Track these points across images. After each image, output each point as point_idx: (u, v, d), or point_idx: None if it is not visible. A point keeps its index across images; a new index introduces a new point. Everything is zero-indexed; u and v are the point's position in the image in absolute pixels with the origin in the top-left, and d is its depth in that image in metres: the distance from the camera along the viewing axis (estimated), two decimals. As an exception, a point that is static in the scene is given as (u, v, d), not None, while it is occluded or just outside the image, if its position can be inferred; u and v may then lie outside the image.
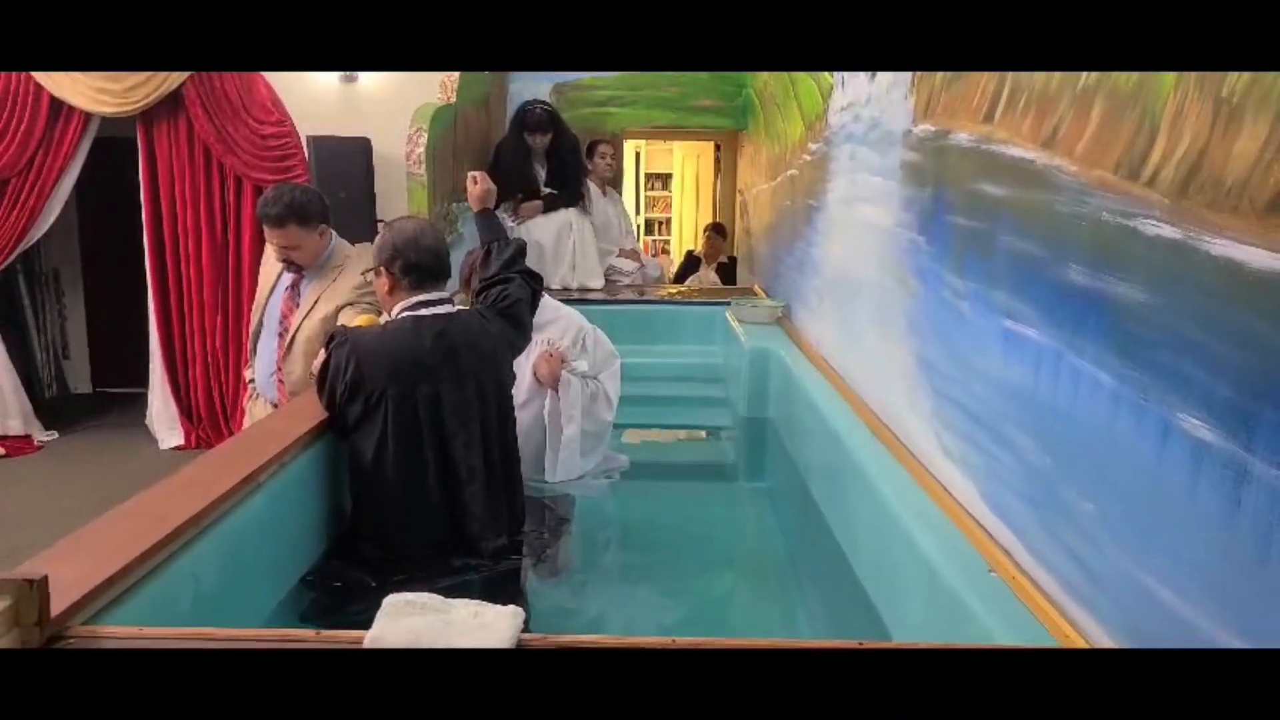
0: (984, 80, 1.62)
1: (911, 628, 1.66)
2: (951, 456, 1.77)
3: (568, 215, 4.43)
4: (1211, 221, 0.97)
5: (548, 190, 4.43)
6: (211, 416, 5.14)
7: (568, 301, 3.16)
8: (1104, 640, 1.19)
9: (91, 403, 5.99)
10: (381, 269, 2.04)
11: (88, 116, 4.75)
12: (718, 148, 6.38)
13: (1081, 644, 1.23)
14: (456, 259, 2.67)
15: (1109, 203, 1.17)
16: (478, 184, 2.40)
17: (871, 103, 2.39)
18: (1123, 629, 1.15)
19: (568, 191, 4.45)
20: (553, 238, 4.38)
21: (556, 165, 4.43)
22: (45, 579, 1.13)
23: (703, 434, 3.68)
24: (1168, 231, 1.04)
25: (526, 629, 1.20)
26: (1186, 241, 1.01)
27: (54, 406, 5.72)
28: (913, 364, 2.01)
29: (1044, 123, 1.36)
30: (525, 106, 4.42)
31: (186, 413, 5.17)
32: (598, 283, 4.51)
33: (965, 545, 1.60)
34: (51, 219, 4.97)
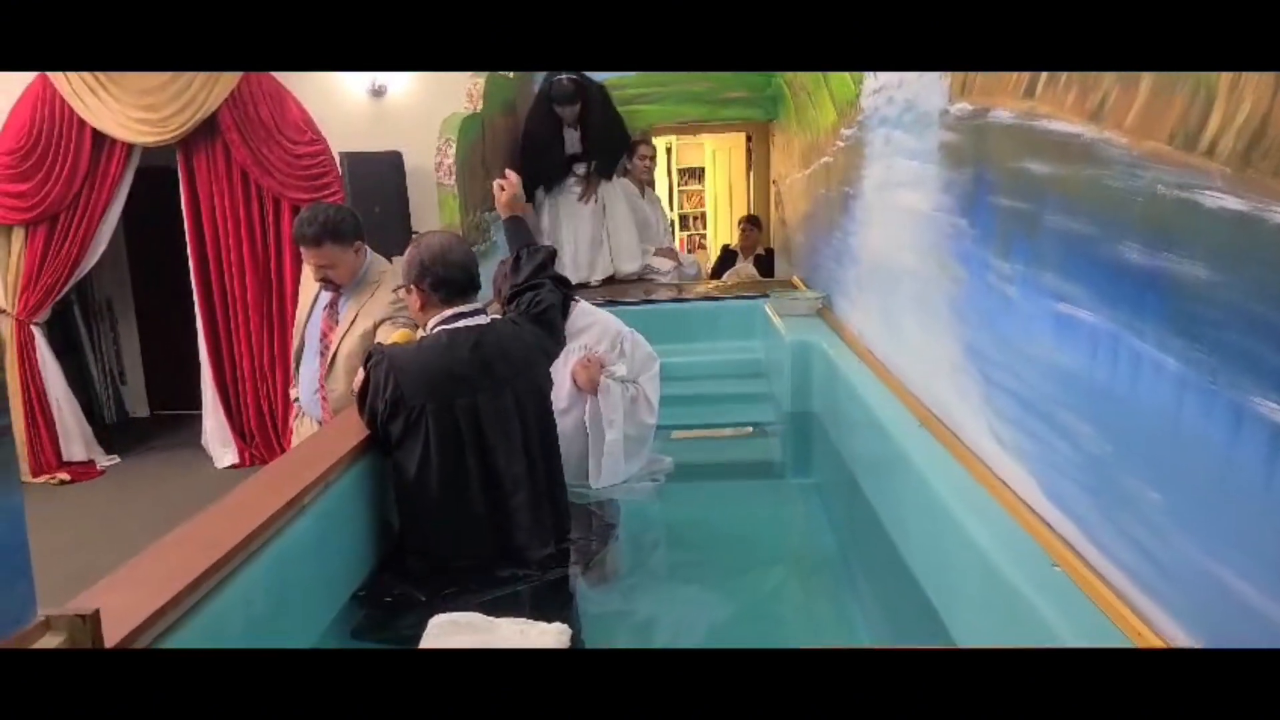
0: (1022, 54, 1.55)
1: (970, 624, 1.61)
2: (1005, 446, 1.71)
3: (600, 202, 4.42)
4: (1278, 191, 0.90)
5: (580, 163, 4.43)
6: (264, 434, 5.23)
7: (603, 305, 3.14)
8: (1178, 637, 1.13)
9: (149, 426, 6.15)
10: (412, 286, 2.04)
11: (129, 148, 4.87)
12: (749, 139, 6.32)
13: (1154, 640, 1.17)
14: (490, 267, 2.67)
15: (1164, 175, 1.11)
16: (505, 190, 2.38)
17: (905, 84, 2.33)
18: (1197, 624, 1.10)
19: (606, 158, 4.45)
20: (588, 227, 4.38)
21: (588, 130, 4.43)
22: (97, 612, 1.13)
23: (747, 430, 3.64)
24: (1231, 203, 0.98)
25: (578, 639, 1.18)
26: (1252, 213, 0.94)
27: (114, 431, 5.89)
28: (959, 351, 1.95)
29: (1090, 95, 1.30)
30: (550, 79, 4.41)
31: (239, 432, 5.28)
32: (634, 265, 4.48)
33: (1024, 537, 1.54)
34: (101, 249, 5.11)
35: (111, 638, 1.17)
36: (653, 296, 4.27)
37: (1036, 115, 1.49)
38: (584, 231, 4.39)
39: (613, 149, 4.51)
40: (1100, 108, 1.27)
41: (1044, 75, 1.47)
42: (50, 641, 1.10)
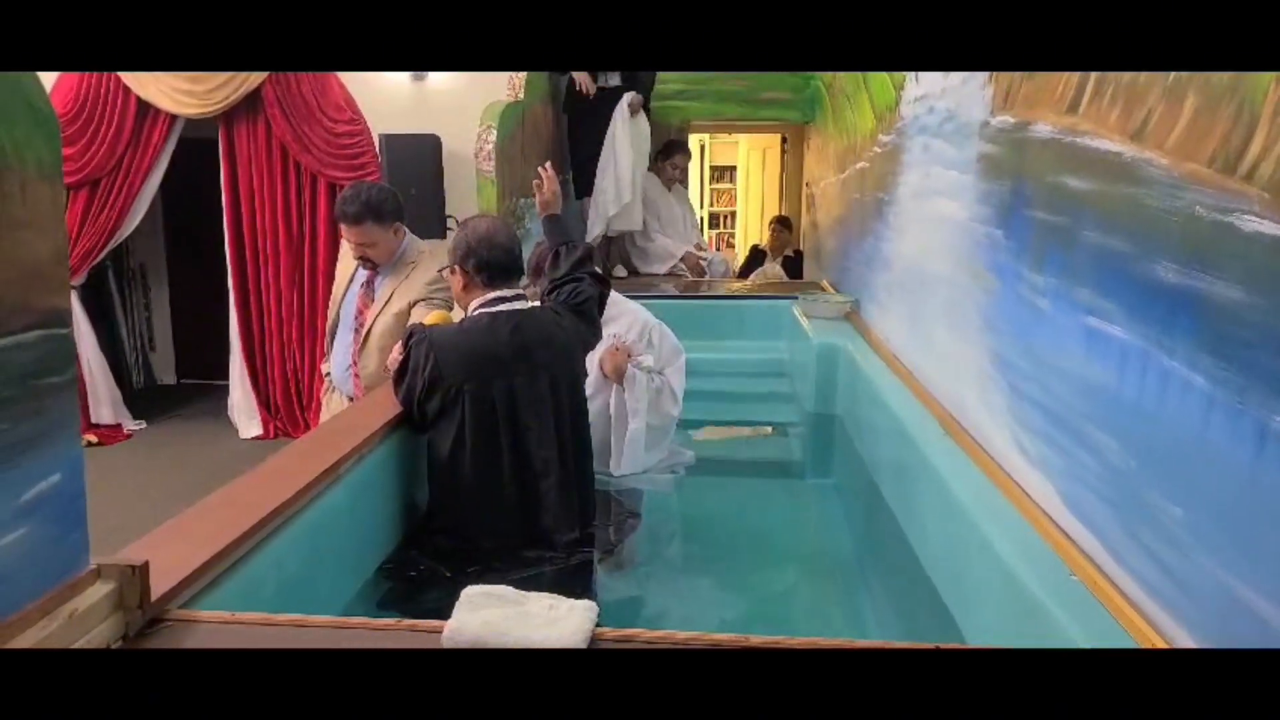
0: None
1: (986, 630, 1.63)
2: (1028, 456, 1.72)
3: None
4: (1317, 218, 0.92)
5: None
6: (289, 408, 5.30)
7: (633, 297, 3.17)
8: (1194, 650, 1.15)
9: (176, 393, 6.24)
10: (456, 267, 2.08)
11: (172, 118, 4.95)
12: (784, 140, 6.32)
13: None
14: (524, 255, 2.70)
15: (1203, 197, 1.13)
16: (544, 189, 2.41)
17: (947, 94, 2.34)
18: (1214, 640, 1.12)
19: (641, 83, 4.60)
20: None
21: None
22: (146, 564, 1.19)
23: (769, 430, 3.66)
24: (1268, 228, 1.00)
25: (598, 622, 1.22)
26: (1289, 238, 0.96)
27: (142, 397, 5.98)
28: (987, 361, 1.96)
29: (1133, 114, 1.32)
30: None
31: (265, 404, 5.35)
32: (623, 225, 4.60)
33: (1043, 547, 1.56)
34: (139, 217, 5.19)
35: (157, 590, 1.21)
36: (680, 292, 4.31)
37: (1078, 132, 1.51)
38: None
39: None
40: (1143, 127, 1.29)
41: (1088, 92, 1.48)
42: (100, 589, 1.16)
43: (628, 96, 4.47)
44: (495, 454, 1.97)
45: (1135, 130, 1.31)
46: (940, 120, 2.39)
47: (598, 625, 1.22)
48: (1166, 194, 1.21)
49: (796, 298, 3.85)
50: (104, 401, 5.36)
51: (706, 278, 4.82)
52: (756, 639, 1.16)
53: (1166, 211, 1.21)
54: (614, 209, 4.47)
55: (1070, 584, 1.42)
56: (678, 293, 4.25)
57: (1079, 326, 1.48)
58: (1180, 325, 1.18)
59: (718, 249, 7.84)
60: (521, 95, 4.04)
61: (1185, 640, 1.17)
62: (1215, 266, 1.10)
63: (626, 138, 4.44)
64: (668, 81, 4.88)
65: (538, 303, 2.24)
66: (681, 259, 4.82)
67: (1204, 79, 1.14)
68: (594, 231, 4.52)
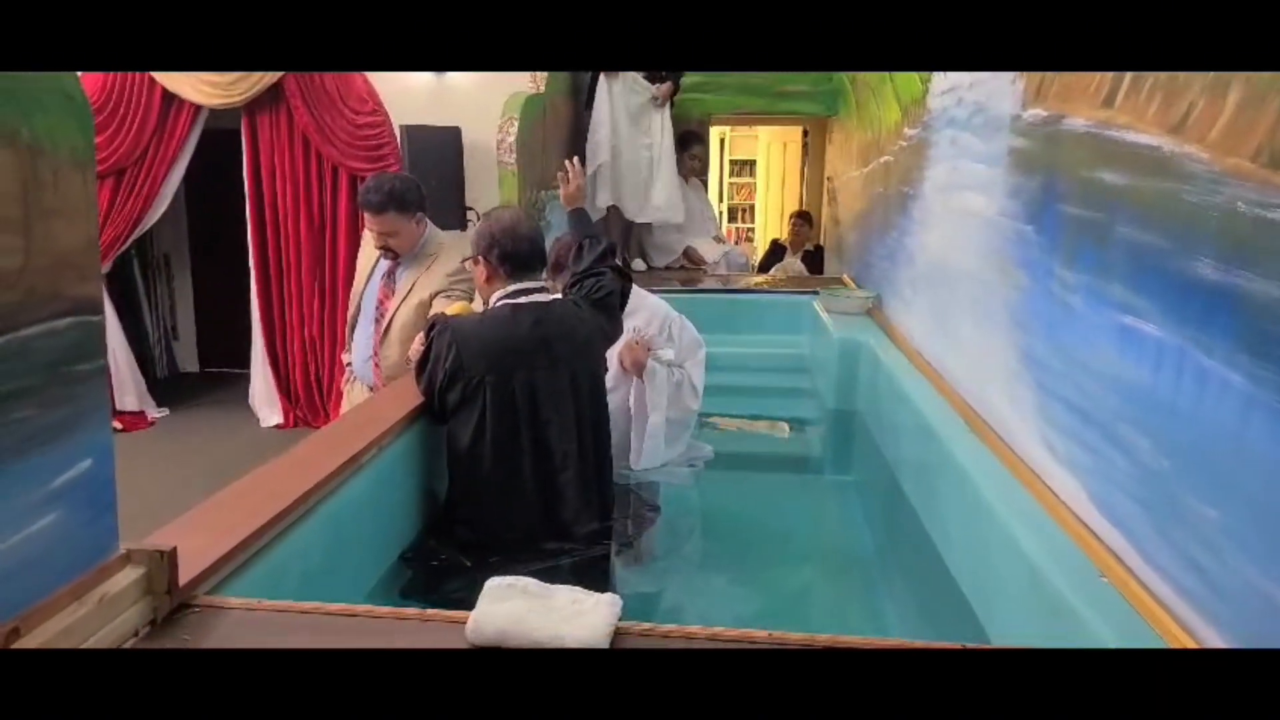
0: (1102, 63, 1.54)
1: (1012, 631, 1.62)
2: (1056, 454, 1.70)
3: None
4: (1367, 213, 0.90)
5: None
6: (309, 397, 5.34)
7: (654, 290, 3.16)
8: (1228, 653, 1.13)
9: (199, 382, 6.30)
10: (480, 258, 2.08)
11: (196, 109, 4.98)
12: (805, 133, 6.29)
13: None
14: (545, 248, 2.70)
15: (1245, 192, 1.10)
16: (570, 181, 2.41)
17: (976, 86, 2.31)
18: (1248, 643, 1.10)
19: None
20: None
21: None
22: (174, 550, 1.19)
23: (788, 425, 3.65)
24: (1314, 224, 0.98)
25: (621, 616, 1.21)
26: (1336, 235, 0.94)
27: (165, 385, 6.04)
28: (1015, 358, 1.94)
29: (1172, 108, 1.29)
30: None
31: (286, 393, 5.39)
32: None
33: (1070, 547, 1.54)
34: (163, 207, 5.24)
35: (184, 576, 1.22)
36: (700, 285, 4.29)
37: (1114, 125, 1.48)
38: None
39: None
40: (1183, 121, 1.26)
41: (1125, 85, 1.46)
42: (130, 574, 1.16)
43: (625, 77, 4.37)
44: (515, 446, 1.97)
45: (1175, 124, 1.29)
46: (969, 113, 2.36)
47: (620, 619, 1.21)
48: (1207, 189, 1.19)
49: (817, 293, 3.83)
50: (128, 389, 5.42)
51: (710, 271, 4.81)
52: (782, 635, 1.14)
53: (1206, 207, 1.19)
54: (594, 163, 4.28)
55: (1099, 585, 1.40)
56: (693, 287, 4.23)
57: (1112, 324, 1.46)
58: (1219, 323, 1.15)
59: (736, 243, 7.82)
60: (543, 88, 4.04)
61: (1216, 642, 1.15)
62: (1257, 263, 1.08)
63: (606, 105, 4.31)
64: (687, 74, 4.86)
65: (559, 295, 2.24)
66: (684, 253, 4.81)
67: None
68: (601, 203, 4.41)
